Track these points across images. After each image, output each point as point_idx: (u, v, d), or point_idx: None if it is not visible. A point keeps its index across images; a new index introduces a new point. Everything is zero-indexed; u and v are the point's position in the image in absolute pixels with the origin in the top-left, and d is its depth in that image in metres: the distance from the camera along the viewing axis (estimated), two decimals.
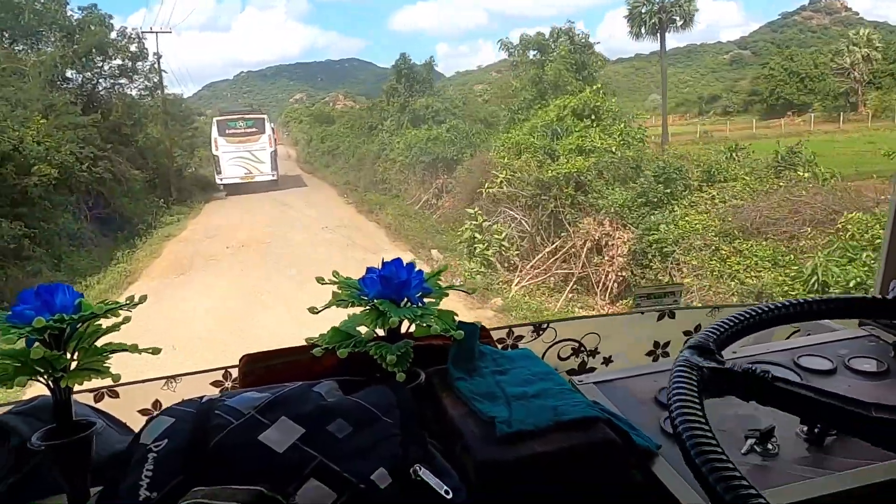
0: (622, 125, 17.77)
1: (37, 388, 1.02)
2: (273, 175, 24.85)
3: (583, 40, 26.25)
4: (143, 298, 1.07)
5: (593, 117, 17.57)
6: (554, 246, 13.89)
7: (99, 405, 1.39)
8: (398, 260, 1.15)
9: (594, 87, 19.45)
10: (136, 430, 1.27)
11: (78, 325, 0.98)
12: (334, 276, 1.19)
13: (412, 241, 16.66)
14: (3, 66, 18.93)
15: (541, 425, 0.95)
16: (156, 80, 26.82)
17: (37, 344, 0.94)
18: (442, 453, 0.94)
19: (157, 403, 1.45)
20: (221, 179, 24.73)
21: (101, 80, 24.52)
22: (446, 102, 26.97)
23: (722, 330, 0.89)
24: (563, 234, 13.98)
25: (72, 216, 16.83)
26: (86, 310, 0.99)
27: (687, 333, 1.75)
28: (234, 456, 0.85)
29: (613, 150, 16.08)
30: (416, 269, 1.15)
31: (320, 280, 1.18)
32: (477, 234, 14.10)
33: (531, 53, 27.44)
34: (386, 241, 16.75)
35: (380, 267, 1.14)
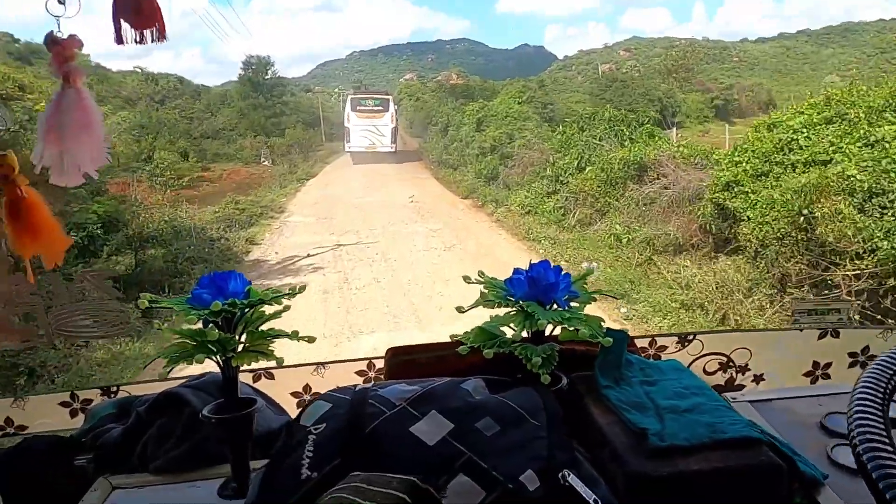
0: None
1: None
2: (392, 147, 28.03)
3: None
4: (303, 288, 1.14)
5: None
6: None
7: (256, 385, 1.49)
8: (546, 262, 1.13)
9: None
10: (289, 410, 1.36)
11: (246, 311, 1.06)
12: (480, 275, 1.20)
13: None
14: None
15: (695, 442, 0.90)
16: None
17: (211, 325, 1.03)
18: (587, 461, 0.92)
19: (307, 387, 1.54)
20: (349, 148, 28.15)
21: None
22: None
23: None
24: None
25: None
26: (254, 296, 1.06)
27: (853, 355, 1.60)
28: (386, 445, 0.88)
29: None
30: (563, 271, 1.14)
31: (467, 279, 1.20)
32: None
33: None
34: None
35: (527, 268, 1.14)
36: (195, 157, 27.82)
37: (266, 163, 28.52)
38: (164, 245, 11.47)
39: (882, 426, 0.68)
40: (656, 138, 14.96)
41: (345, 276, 10.75)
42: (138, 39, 0.99)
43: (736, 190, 9.45)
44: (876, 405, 0.71)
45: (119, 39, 0.98)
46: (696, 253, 10.22)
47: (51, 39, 1.02)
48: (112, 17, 0.98)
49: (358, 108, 28.47)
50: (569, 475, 0.82)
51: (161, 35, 1.01)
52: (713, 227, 9.99)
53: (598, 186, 13.22)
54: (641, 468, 0.87)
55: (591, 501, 0.80)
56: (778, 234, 8.20)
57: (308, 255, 12.23)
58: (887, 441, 0.66)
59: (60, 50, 1.01)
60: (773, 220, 8.30)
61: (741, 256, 9.05)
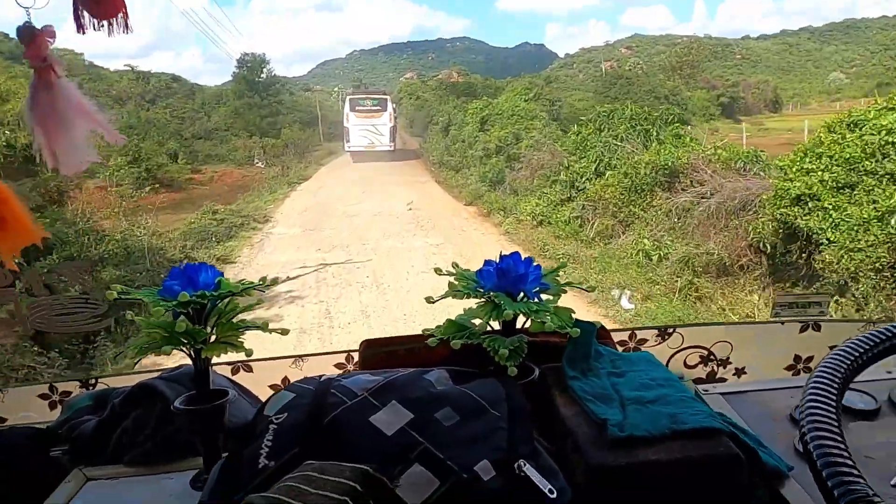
0: None
1: (176, 359, 1.12)
2: (391, 146, 28.90)
3: None
4: (276, 280, 1.15)
5: None
6: None
7: (235, 377, 1.50)
8: (516, 254, 1.13)
9: None
10: None
11: (217, 302, 1.07)
12: (453, 266, 1.20)
13: None
14: None
15: (655, 432, 0.90)
16: None
17: (182, 317, 1.03)
18: (550, 452, 0.92)
19: (285, 380, 1.55)
20: (349, 147, 28.94)
21: None
22: None
23: (869, 346, 0.79)
24: None
25: None
26: (225, 288, 1.07)
27: (834, 349, 1.59)
28: (345, 434, 0.88)
29: None
30: (535, 263, 1.14)
31: (438, 270, 1.20)
32: None
33: None
34: None
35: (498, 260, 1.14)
36: (185, 158, 26.74)
37: (259, 164, 27.16)
38: (116, 269, 9.84)
39: (832, 414, 0.68)
40: (686, 139, 12.91)
41: (327, 308, 9.03)
42: (97, 28, 0.98)
43: (810, 205, 7.52)
44: (828, 394, 0.71)
45: (79, 28, 0.98)
46: (747, 276, 8.69)
47: (26, 31, 1.02)
48: (73, 4, 0.98)
49: (357, 108, 29.39)
50: (524, 465, 0.82)
51: (125, 26, 1.00)
52: (769, 246, 8.32)
53: (621, 194, 11.66)
54: (601, 459, 0.87)
55: (545, 491, 0.80)
56: (876, 265, 6.52)
57: (287, 279, 10.58)
58: (835, 429, 0.65)
59: (40, 40, 1.01)
60: (869, 247, 6.61)
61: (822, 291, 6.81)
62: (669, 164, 11.15)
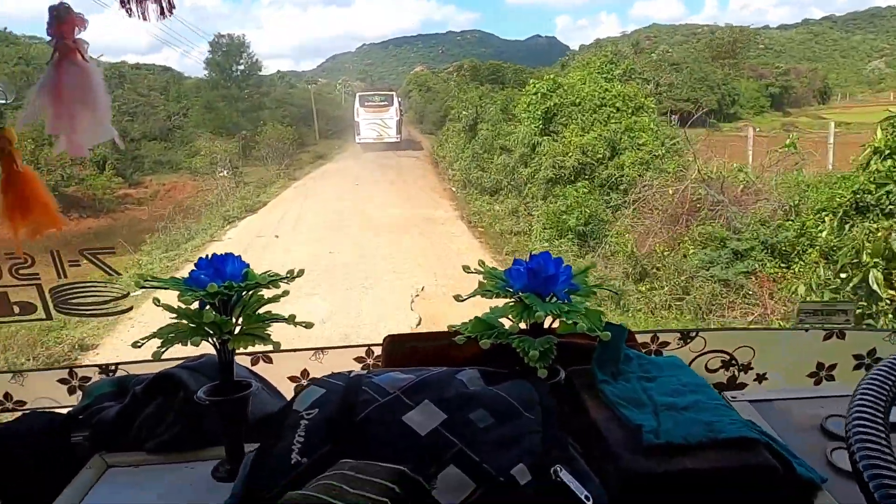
0: None
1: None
2: (397, 138, 30.39)
3: None
4: (301, 272, 1.14)
5: None
6: None
7: (254, 368, 1.49)
8: (546, 253, 1.12)
9: None
10: (286, 394, 1.35)
11: (244, 293, 1.06)
12: (480, 265, 1.19)
13: None
14: None
15: (691, 440, 0.89)
16: None
17: (208, 307, 1.02)
18: (581, 456, 0.91)
19: (304, 372, 1.54)
20: (360, 140, 30.19)
21: None
22: None
23: None
24: None
25: None
26: (251, 279, 1.06)
27: (858, 357, 1.57)
28: (377, 432, 0.87)
29: None
30: (565, 264, 1.12)
31: (466, 269, 1.19)
32: None
33: None
34: None
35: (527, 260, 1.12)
36: (126, 166, 20.74)
37: (224, 173, 20.21)
38: None
39: (881, 430, 0.66)
40: None
41: None
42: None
43: None
44: (876, 409, 0.69)
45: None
46: None
47: (60, 9, 1.01)
48: None
49: (366, 104, 31.12)
50: (560, 470, 0.81)
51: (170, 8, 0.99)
52: None
53: None
54: (635, 465, 0.86)
55: (582, 497, 0.79)
56: None
57: None
58: (885, 446, 0.64)
59: (72, 21, 1.00)
60: None
61: None
62: None
